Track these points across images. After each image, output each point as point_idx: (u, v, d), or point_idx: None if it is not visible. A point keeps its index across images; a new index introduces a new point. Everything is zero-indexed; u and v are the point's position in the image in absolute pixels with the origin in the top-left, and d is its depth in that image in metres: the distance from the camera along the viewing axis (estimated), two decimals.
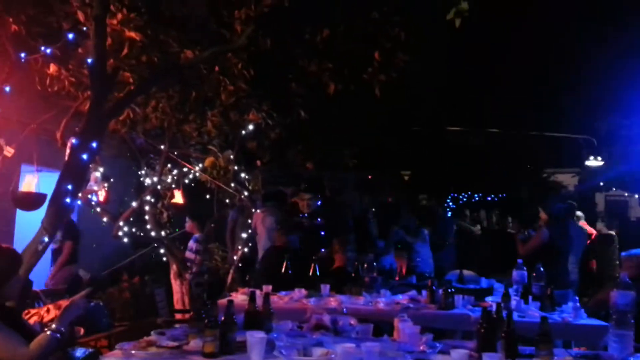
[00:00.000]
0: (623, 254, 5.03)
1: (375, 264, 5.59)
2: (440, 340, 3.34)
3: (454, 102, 13.16)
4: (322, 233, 6.30)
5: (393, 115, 11.15)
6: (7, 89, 4.67)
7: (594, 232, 8.97)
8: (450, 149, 14.85)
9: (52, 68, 4.98)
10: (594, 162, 13.43)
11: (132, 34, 4.90)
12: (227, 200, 7.75)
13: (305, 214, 6.41)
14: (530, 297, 4.73)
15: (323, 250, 5.90)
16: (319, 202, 6.62)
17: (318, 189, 6.90)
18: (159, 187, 7.31)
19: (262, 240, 6.59)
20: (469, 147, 15.09)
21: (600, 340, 3.99)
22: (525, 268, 5.10)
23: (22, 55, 4.62)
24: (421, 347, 3.13)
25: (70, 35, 4.68)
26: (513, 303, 4.47)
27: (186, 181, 7.67)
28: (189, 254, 7.20)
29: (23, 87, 5.07)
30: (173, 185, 7.56)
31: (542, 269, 4.92)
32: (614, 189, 13.42)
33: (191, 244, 7.24)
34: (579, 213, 8.48)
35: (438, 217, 9.18)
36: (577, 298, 4.64)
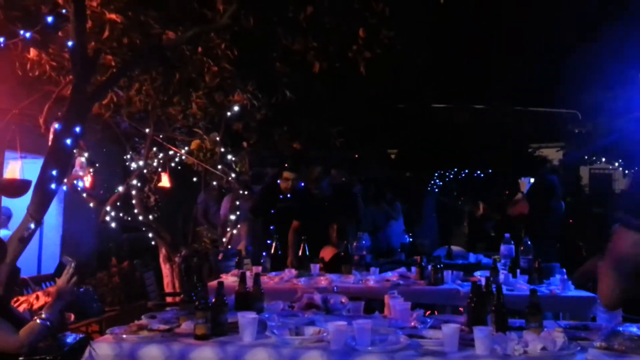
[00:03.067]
0: (615, 225, 5.08)
1: (365, 242, 5.59)
2: (430, 316, 3.37)
3: (439, 79, 13.13)
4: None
5: (378, 93, 11.11)
6: None
7: None
8: (436, 126, 14.86)
9: (32, 52, 4.89)
10: (577, 136, 13.55)
11: (113, 16, 4.81)
12: (215, 183, 7.72)
13: (288, 195, 6.33)
14: (518, 271, 4.78)
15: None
16: (302, 184, 6.57)
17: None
18: (145, 171, 7.25)
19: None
20: (455, 124, 15.11)
21: (589, 311, 4.05)
22: (512, 242, 5.15)
23: (1, 40, 4.52)
24: (412, 323, 3.16)
25: (50, 19, 4.58)
26: (501, 277, 4.52)
27: (172, 164, 7.61)
28: None
29: (3, 73, 4.98)
30: (159, 169, 7.50)
31: (529, 242, 4.97)
32: (598, 162, 13.53)
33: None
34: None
35: (413, 191, 9.23)
36: (564, 270, 4.69)
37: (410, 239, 8.30)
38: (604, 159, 12.91)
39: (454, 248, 6.72)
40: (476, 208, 11.08)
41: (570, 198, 9.46)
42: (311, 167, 6.72)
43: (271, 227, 6.03)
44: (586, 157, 12.61)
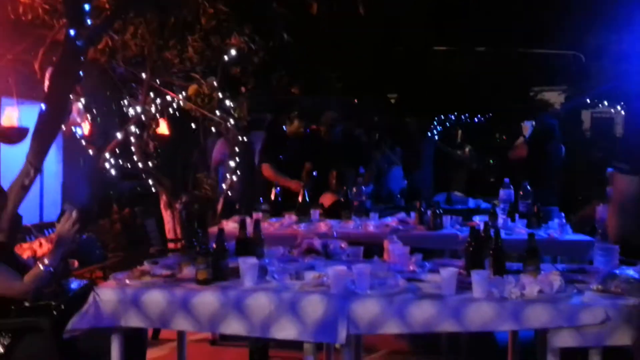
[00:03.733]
0: (609, 169, 5.08)
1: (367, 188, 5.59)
2: (429, 260, 3.41)
3: (440, 21, 12.86)
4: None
5: (378, 36, 10.91)
6: None
7: None
8: (436, 70, 14.67)
9: None
10: (580, 79, 13.37)
11: None
12: (213, 129, 7.66)
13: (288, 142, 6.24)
14: (517, 215, 4.81)
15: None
16: (309, 130, 6.48)
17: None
18: (142, 117, 7.18)
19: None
20: (455, 67, 14.91)
21: (586, 254, 4.09)
22: (512, 187, 5.16)
23: None
24: (411, 267, 3.20)
25: None
26: (500, 221, 4.55)
27: (170, 110, 7.54)
28: None
29: None
30: (157, 115, 7.43)
31: (528, 187, 4.98)
32: (601, 105, 13.43)
33: None
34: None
35: (411, 135, 9.17)
36: (562, 214, 4.72)
37: (408, 184, 8.32)
38: (606, 103, 12.81)
39: (454, 193, 6.75)
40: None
41: (571, 142, 9.43)
42: (325, 112, 6.58)
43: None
44: (588, 101, 12.50)
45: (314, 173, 5.66)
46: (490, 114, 15.36)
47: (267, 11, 6.31)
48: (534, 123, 6.64)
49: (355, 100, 11.91)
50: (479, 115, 15.62)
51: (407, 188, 8.10)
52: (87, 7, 4.49)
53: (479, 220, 4.63)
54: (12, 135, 4.79)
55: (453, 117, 15.60)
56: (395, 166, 8.21)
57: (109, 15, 4.92)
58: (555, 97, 14.62)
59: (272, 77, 8.02)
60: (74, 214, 3.14)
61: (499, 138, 11.94)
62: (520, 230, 4.49)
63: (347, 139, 6.53)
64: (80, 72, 4.56)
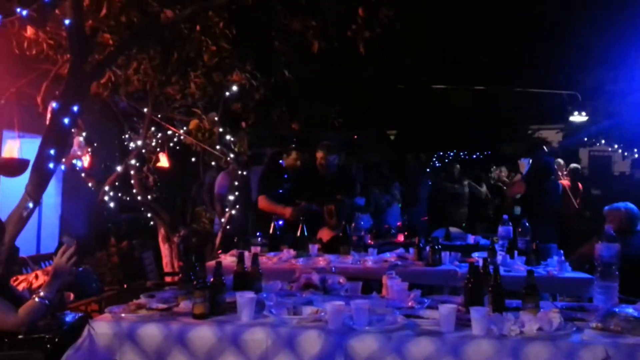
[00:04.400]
0: (606, 207, 5.10)
1: (365, 223, 5.57)
2: (428, 296, 3.39)
3: (438, 60, 13.06)
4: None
5: (377, 74, 11.05)
6: None
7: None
8: (435, 107, 14.83)
9: (30, 31, 4.85)
10: (578, 117, 13.47)
11: None
12: (213, 163, 7.70)
13: (286, 175, 6.27)
14: (515, 252, 4.80)
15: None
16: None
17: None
18: (143, 150, 7.23)
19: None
20: (454, 105, 15.08)
21: (586, 292, 4.07)
22: (510, 224, 5.16)
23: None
24: (410, 303, 3.17)
25: None
26: (499, 258, 4.53)
27: (171, 144, 7.59)
28: None
29: (0, 52, 4.94)
30: (158, 149, 7.48)
31: (527, 224, 4.98)
32: (598, 144, 13.53)
33: None
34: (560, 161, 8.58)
35: (410, 171, 9.23)
36: (561, 252, 4.71)
37: (406, 220, 8.35)
38: (603, 141, 12.90)
39: (452, 229, 6.73)
40: (499, 172, 10.99)
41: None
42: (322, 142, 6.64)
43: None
44: (586, 139, 12.60)
45: (314, 207, 5.67)
46: (489, 152, 15.45)
47: (269, 49, 6.41)
48: (530, 160, 6.68)
49: (355, 137, 12.00)
50: (477, 153, 15.72)
51: (405, 224, 8.10)
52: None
53: (478, 257, 4.62)
54: (12, 167, 4.81)
55: (452, 153, 15.70)
56: (395, 202, 8.25)
57: (113, 50, 5.00)
58: (552, 135, 14.74)
59: (272, 113, 8.10)
60: (72, 246, 3.14)
61: (496, 176, 12.01)
62: (519, 267, 4.47)
63: (343, 170, 6.55)
64: (82, 107, 4.62)
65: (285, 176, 6.21)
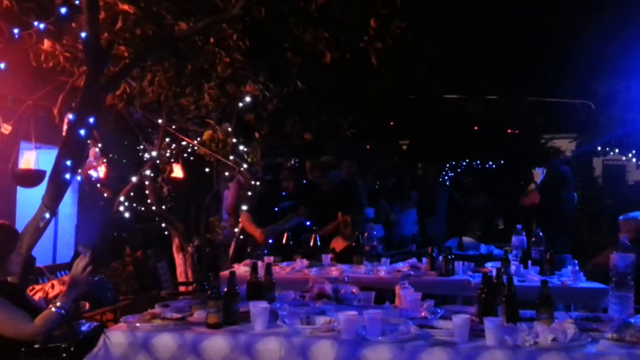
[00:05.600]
0: (621, 217, 5.06)
1: (377, 233, 5.58)
2: (441, 306, 3.38)
3: (450, 69, 13.05)
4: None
5: (390, 84, 11.06)
6: (2, 65, 4.63)
7: None
8: (447, 117, 14.80)
9: (47, 44, 4.93)
10: (591, 127, 13.40)
11: (125, 7, 4.83)
12: (227, 173, 7.75)
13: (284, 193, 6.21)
14: (529, 262, 4.77)
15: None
16: (304, 181, 6.51)
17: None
18: (158, 161, 7.30)
19: None
20: (466, 115, 15.03)
21: (600, 302, 4.04)
22: (524, 233, 5.14)
23: (16, 31, 4.56)
24: (423, 313, 3.17)
25: (63, 10, 4.62)
26: (513, 268, 4.51)
27: (185, 155, 7.66)
28: None
29: (18, 64, 5.03)
30: (172, 160, 7.55)
31: (540, 233, 4.96)
32: (612, 153, 13.42)
33: None
34: None
35: (428, 181, 9.23)
36: (576, 262, 4.68)
37: (421, 230, 8.32)
38: (617, 150, 12.79)
39: (466, 239, 6.72)
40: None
41: (582, 189, 9.40)
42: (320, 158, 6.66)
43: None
44: (599, 148, 12.50)
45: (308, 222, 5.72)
46: (502, 161, 15.38)
47: (282, 60, 6.46)
48: (544, 170, 6.66)
49: (368, 147, 12.00)
50: (490, 162, 15.64)
51: (420, 234, 8.09)
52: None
53: (491, 267, 4.61)
54: (29, 178, 4.87)
55: (464, 163, 15.65)
56: (410, 210, 8.23)
57: (128, 63, 5.07)
58: (566, 145, 14.63)
59: (285, 123, 8.14)
60: (88, 256, 3.17)
61: (511, 185, 11.95)
62: (533, 277, 4.44)
63: (345, 184, 6.55)
64: (98, 118, 4.68)
65: (284, 194, 6.17)
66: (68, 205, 7.85)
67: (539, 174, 6.81)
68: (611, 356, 2.54)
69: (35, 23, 4.62)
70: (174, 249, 7.39)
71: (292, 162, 6.40)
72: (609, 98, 11.22)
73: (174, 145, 7.47)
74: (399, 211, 8.12)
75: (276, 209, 6.02)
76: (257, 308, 2.92)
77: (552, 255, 4.69)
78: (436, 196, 8.77)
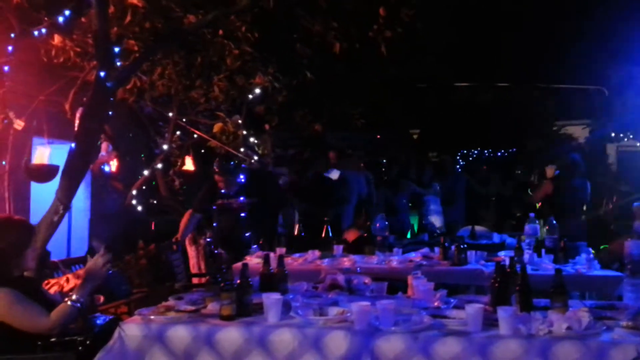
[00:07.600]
0: (636, 204, 5.02)
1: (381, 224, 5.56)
2: (454, 296, 3.37)
3: (461, 57, 12.95)
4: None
5: (399, 73, 11.01)
6: (7, 67, 4.65)
7: None
8: (459, 105, 14.71)
9: (57, 39, 4.95)
10: (604, 113, 13.25)
11: (134, 1, 4.85)
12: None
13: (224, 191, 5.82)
14: (543, 251, 4.75)
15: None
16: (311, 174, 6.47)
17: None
18: (169, 154, 7.33)
19: None
20: (478, 103, 14.94)
21: (615, 290, 4.01)
22: (537, 222, 5.11)
23: (31, 29, 4.58)
24: (436, 303, 3.17)
25: (73, 5, 4.63)
26: (526, 256, 4.49)
27: (196, 147, 7.68)
28: None
29: (29, 60, 5.06)
30: (183, 152, 7.57)
31: (554, 222, 4.93)
32: (626, 139, 13.27)
33: None
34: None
35: (449, 170, 9.24)
36: (590, 250, 4.65)
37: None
38: (631, 136, 12.65)
39: (478, 228, 6.69)
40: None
41: (596, 176, 9.30)
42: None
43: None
44: (613, 135, 12.36)
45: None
46: (514, 149, 15.27)
47: (291, 51, 6.44)
48: (556, 168, 6.62)
49: (378, 137, 11.98)
50: (502, 150, 15.54)
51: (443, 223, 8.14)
52: (116, 49, 4.66)
53: (504, 256, 4.59)
54: (42, 174, 4.91)
55: (476, 152, 15.56)
56: (435, 198, 8.27)
57: (138, 57, 5.08)
58: (579, 131, 14.48)
59: (295, 115, 8.13)
60: (108, 252, 3.19)
61: (524, 173, 11.87)
62: (547, 265, 4.42)
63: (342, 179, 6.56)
64: (109, 112, 4.70)
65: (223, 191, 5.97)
66: (81, 199, 7.90)
67: (552, 169, 6.71)
68: (626, 344, 2.52)
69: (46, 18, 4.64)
70: (187, 241, 7.42)
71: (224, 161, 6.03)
72: (622, 83, 11.09)
73: (185, 138, 7.49)
74: (404, 203, 8.13)
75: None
76: (270, 300, 2.93)
77: (566, 243, 4.66)
78: (455, 185, 8.78)
